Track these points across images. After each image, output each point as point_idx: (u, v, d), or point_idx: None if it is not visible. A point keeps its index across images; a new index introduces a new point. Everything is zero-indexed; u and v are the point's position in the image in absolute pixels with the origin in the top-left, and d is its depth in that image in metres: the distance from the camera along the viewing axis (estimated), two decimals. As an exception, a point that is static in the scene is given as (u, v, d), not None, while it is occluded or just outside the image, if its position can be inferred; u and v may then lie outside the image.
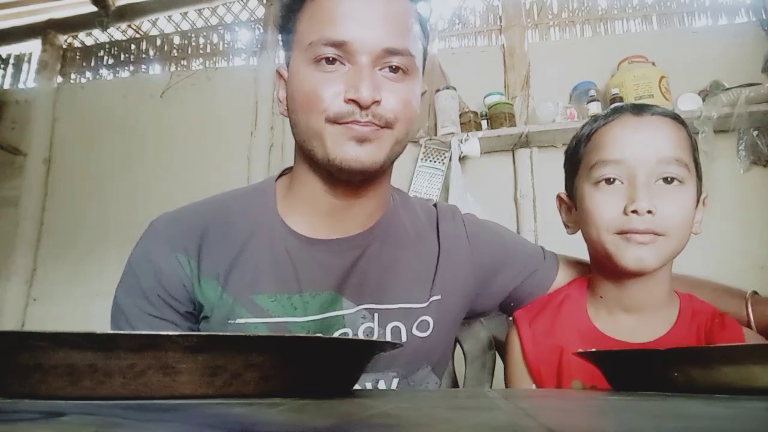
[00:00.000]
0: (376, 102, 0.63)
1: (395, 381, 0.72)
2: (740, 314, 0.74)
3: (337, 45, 0.63)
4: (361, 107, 0.62)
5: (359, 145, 0.64)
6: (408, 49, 0.65)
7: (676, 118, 0.72)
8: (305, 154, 0.69)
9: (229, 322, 0.68)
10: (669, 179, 0.67)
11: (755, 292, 0.77)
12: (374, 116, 0.63)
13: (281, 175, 0.79)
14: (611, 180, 0.69)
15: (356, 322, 0.71)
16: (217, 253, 0.70)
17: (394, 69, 0.65)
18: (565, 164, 0.81)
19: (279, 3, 0.72)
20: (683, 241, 0.69)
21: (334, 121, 0.63)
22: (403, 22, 0.66)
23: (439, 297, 0.75)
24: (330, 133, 0.64)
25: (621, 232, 0.68)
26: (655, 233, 0.66)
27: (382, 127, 0.64)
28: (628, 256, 0.67)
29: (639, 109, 0.72)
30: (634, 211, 0.66)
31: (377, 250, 0.74)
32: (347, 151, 0.64)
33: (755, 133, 2.03)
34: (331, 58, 0.63)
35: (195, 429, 0.21)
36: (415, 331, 0.73)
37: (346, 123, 0.63)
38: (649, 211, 0.65)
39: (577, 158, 0.76)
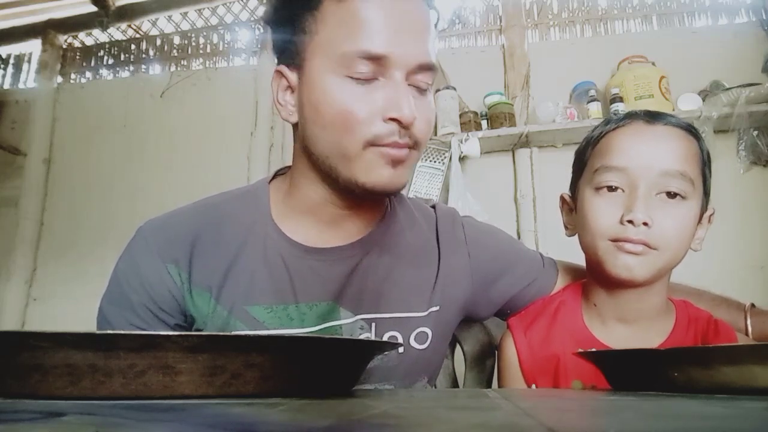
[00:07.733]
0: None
1: None
2: (738, 325, 0.74)
3: (376, 59, 0.59)
4: (404, 126, 0.59)
5: (393, 168, 0.61)
6: (434, 62, 0.62)
7: (689, 130, 0.70)
8: (317, 166, 0.65)
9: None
10: (671, 194, 0.66)
11: (753, 305, 0.77)
12: (410, 137, 0.60)
13: (274, 176, 0.76)
14: (612, 187, 0.68)
15: (354, 332, 0.69)
16: (209, 264, 0.67)
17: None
18: (573, 164, 0.79)
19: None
20: (677, 256, 0.68)
21: (373, 143, 0.60)
22: (431, 34, 0.63)
23: (437, 308, 0.74)
24: (366, 158, 0.60)
25: (614, 240, 0.67)
26: (648, 246, 0.65)
27: (411, 148, 0.62)
28: (618, 263, 0.66)
29: (652, 118, 0.70)
30: (629, 221, 0.65)
31: (375, 258, 0.72)
32: (381, 175, 0.61)
33: (755, 133, 2.03)
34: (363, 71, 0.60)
35: (195, 429, 0.21)
36: (413, 342, 0.72)
37: (385, 145, 0.60)
38: (645, 223, 0.64)
39: (583, 160, 0.75)
